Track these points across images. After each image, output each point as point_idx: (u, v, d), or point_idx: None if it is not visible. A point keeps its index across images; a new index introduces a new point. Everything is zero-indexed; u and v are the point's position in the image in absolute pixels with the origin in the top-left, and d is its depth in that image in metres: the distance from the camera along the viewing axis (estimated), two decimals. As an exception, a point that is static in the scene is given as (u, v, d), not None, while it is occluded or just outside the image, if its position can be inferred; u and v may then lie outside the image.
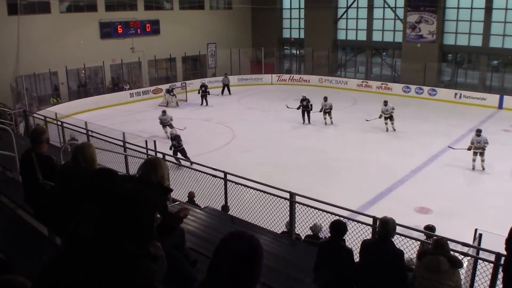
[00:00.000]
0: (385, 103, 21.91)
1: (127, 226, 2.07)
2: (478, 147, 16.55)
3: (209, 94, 28.44)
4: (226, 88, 31.89)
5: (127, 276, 1.98)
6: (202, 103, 28.16)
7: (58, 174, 4.42)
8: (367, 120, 22.42)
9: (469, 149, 16.84)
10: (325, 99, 22.97)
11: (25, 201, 5.15)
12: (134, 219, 2.10)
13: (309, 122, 23.46)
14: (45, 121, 15.47)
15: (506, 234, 7.31)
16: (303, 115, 23.50)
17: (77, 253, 2.02)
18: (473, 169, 16.74)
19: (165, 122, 21.33)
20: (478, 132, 16.91)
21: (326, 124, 23.13)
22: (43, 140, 5.01)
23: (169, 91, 28.40)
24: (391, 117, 21.78)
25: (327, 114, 23.04)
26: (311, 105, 23.31)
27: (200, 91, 28.34)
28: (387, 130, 21.84)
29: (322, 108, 23.07)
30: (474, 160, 16.72)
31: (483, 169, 16.71)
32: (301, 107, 23.47)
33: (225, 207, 9.80)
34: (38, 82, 26.80)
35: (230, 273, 1.80)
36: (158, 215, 3.98)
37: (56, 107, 23.91)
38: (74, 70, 28.44)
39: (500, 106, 26.94)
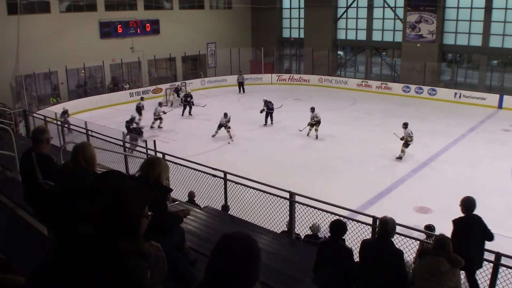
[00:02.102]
0: (312, 109, 21.25)
1: (115, 222, 2.07)
2: (406, 140, 17.76)
3: (193, 104, 25.95)
4: (241, 86, 32.50)
5: (116, 272, 1.98)
6: (183, 114, 25.78)
7: (58, 174, 4.41)
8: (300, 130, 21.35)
9: (402, 139, 17.86)
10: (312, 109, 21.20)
11: (24, 200, 5.15)
12: (121, 215, 2.10)
13: (271, 124, 23.45)
14: (44, 121, 15.47)
15: (506, 234, 7.36)
16: (267, 118, 23.39)
17: (68, 250, 2.02)
18: (401, 158, 17.91)
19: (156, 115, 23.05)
20: (405, 125, 17.94)
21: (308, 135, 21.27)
22: (43, 139, 5.00)
23: (177, 91, 28.26)
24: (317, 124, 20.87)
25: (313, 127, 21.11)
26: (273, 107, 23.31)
27: (182, 100, 26.38)
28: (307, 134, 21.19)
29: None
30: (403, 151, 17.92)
31: (400, 158, 17.90)
32: (265, 110, 23.28)
33: (225, 207, 9.80)
34: (38, 82, 26.80)
35: (227, 273, 1.81)
36: (150, 213, 3.98)
37: (56, 107, 23.90)
38: (74, 69, 28.43)
39: (500, 106, 26.94)
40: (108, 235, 2.03)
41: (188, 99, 25.83)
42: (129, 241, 2.10)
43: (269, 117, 23.40)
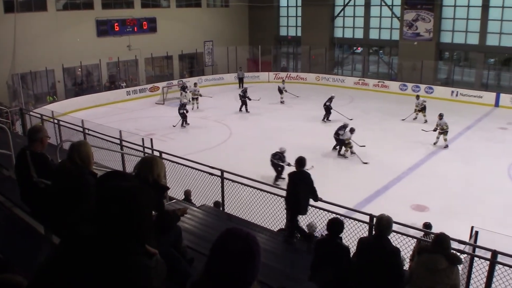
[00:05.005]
0: (417, 97, 24.18)
1: (125, 224, 2.07)
2: (442, 129, 19.10)
3: (249, 99, 25.83)
4: (241, 82, 32.98)
5: (125, 274, 1.98)
6: (240, 109, 25.96)
7: (54, 173, 4.41)
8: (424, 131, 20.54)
9: (434, 130, 19.36)
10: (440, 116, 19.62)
11: (21, 199, 5.14)
12: (132, 217, 2.10)
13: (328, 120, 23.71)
14: (41, 120, 15.43)
15: (503, 232, 7.40)
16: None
17: (75, 252, 2.02)
18: (435, 144, 19.29)
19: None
20: (441, 116, 19.26)
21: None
22: (38, 138, 4.99)
23: (183, 89, 28.21)
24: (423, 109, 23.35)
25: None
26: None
27: (240, 96, 26.02)
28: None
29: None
30: (438, 138, 19.31)
31: (447, 146, 19.15)
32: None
33: (217, 203, 9.87)
34: (35, 80, 26.75)
35: (226, 271, 1.80)
36: (154, 212, 3.98)
37: (53, 105, 23.85)
38: (70, 68, 28.40)
39: (497, 104, 26.99)
40: (119, 237, 2.03)
41: (246, 94, 25.74)
42: (138, 242, 2.10)
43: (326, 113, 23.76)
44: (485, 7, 28.49)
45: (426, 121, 22.55)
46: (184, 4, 35.39)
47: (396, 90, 30.76)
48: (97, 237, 2.03)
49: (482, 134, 21.20)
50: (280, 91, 28.09)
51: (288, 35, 39.20)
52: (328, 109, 23.55)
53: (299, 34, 37.93)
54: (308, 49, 35.87)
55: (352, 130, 18.23)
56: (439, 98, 28.41)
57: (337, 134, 18.52)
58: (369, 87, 32.06)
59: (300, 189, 7.61)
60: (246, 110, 25.91)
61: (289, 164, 14.46)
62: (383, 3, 33.11)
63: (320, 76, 34.63)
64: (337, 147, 18.72)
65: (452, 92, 28.59)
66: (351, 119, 21.72)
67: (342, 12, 35.55)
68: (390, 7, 32.78)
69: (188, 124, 23.00)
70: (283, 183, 12.61)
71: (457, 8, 29.89)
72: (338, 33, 36.14)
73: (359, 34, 34.94)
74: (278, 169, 15.58)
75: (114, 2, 30.84)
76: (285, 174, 14.01)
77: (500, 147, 19.22)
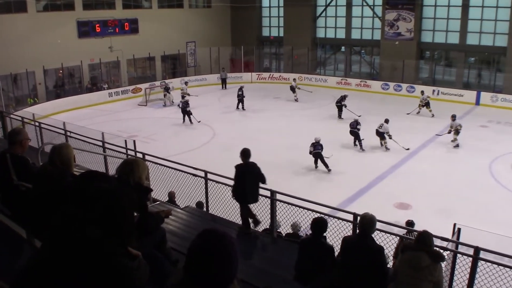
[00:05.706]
0: (422, 92, 25.19)
1: (105, 226, 2.06)
2: (456, 130, 19.31)
3: (243, 96, 26.35)
4: (224, 83, 33.28)
5: (107, 274, 1.96)
6: (238, 107, 26.51)
7: (35, 176, 4.36)
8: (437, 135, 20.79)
9: (449, 132, 19.57)
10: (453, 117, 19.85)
11: (1, 203, 5.07)
12: (113, 219, 2.08)
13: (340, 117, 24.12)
14: (22, 122, 15.24)
15: (484, 228, 7.50)
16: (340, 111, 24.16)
17: (57, 254, 2.00)
18: (456, 146, 19.18)
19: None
20: (454, 117, 19.58)
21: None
22: (17, 140, 4.93)
23: (167, 89, 28.22)
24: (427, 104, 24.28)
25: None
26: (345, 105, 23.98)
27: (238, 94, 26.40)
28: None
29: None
30: (456, 139, 19.26)
31: (457, 145, 19.20)
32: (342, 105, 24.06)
33: (200, 204, 9.85)
34: (15, 82, 26.39)
35: (204, 271, 1.80)
36: (135, 214, 3.95)
37: (34, 108, 23.59)
38: (51, 70, 28.09)
39: (477, 103, 27.33)
40: (100, 238, 2.01)
41: (240, 93, 26.24)
42: (119, 243, 2.09)
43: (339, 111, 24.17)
44: (465, 6, 28.86)
45: (433, 115, 23.72)
46: (166, 5, 35.24)
47: (378, 90, 30.97)
48: (79, 238, 2.01)
49: (463, 132, 21.30)
50: (293, 89, 28.51)
51: (271, 36, 39.26)
52: (340, 107, 24.04)
53: (281, 34, 38.01)
54: (291, 49, 35.98)
55: (387, 121, 19.03)
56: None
57: (355, 128, 19.07)
58: (352, 86, 32.18)
59: (246, 180, 7.85)
60: (243, 108, 26.30)
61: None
62: (364, 3, 33.35)
63: (303, 76, 34.67)
64: (356, 142, 19.21)
65: (434, 91, 28.82)
66: (359, 116, 21.83)
67: (324, 12, 35.72)
68: (372, 7, 33.01)
69: (184, 122, 23.60)
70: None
71: (438, 7, 30.26)
72: (320, 33, 36.31)
73: (341, 34, 35.12)
74: (324, 158, 16.85)
75: (95, 2, 30.59)
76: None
77: (481, 145, 19.44)
